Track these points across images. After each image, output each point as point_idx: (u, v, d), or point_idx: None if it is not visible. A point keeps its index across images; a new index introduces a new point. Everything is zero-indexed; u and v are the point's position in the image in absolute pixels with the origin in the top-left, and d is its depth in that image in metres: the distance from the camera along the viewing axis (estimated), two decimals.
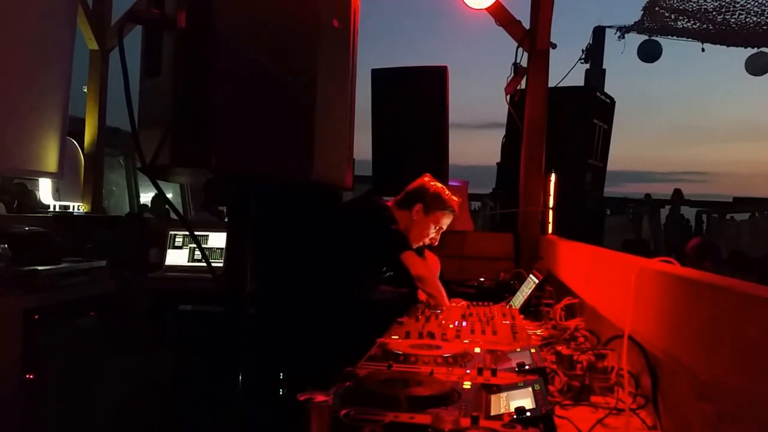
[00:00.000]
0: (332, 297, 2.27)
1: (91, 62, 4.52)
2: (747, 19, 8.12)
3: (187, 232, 3.62)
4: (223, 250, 3.50)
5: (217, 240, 3.61)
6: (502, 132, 4.97)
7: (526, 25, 3.60)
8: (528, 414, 1.00)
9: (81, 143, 4.50)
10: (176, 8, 1.08)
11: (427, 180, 2.56)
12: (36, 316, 2.55)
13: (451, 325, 1.88)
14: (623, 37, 9.20)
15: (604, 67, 9.18)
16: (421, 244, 2.56)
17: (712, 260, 4.22)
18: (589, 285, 1.95)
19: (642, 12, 8.49)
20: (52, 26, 3.14)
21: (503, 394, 1.13)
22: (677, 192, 11.52)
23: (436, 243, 2.59)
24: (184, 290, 3.36)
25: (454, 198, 2.54)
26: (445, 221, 2.54)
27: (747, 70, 9.79)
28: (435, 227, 2.53)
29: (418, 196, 2.51)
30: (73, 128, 4.01)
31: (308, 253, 2.30)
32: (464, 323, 1.94)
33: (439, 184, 2.56)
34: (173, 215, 4.54)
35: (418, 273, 2.37)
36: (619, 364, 1.31)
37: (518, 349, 1.49)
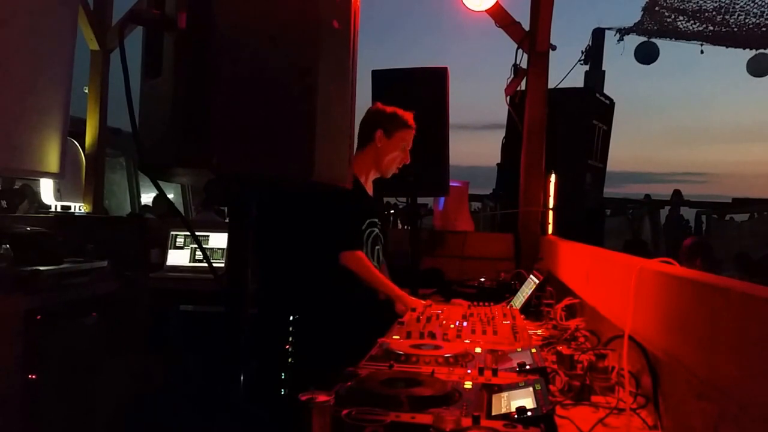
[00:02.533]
0: (322, 285, 2.26)
1: (92, 63, 4.53)
2: (746, 20, 8.12)
3: (188, 233, 3.63)
4: (224, 251, 3.51)
5: (218, 240, 3.62)
6: (502, 133, 4.98)
7: (526, 26, 3.61)
8: (529, 414, 1.00)
9: (82, 144, 4.50)
10: (177, 9, 1.08)
11: (378, 105, 2.55)
12: (38, 317, 2.55)
13: (452, 325, 1.89)
14: (622, 40, 9.20)
15: (603, 68, 9.17)
16: (396, 170, 2.55)
17: (704, 259, 4.29)
18: (590, 285, 1.95)
19: (642, 12, 8.50)
20: (53, 27, 3.14)
21: (504, 394, 1.13)
22: (677, 193, 11.51)
23: (409, 161, 2.57)
24: (186, 290, 3.37)
25: (406, 113, 2.53)
26: (408, 139, 2.53)
27: (748, 72, 9.79)
28: (400, 147, 2.51)
29: (374, 122, 2.50)
30: (74, 129, 4.02)
31: (290, 244, 2.29)
32: (465, 323, 1.94)
33: (389, 106, 2.55)
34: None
35: (359, 273, 2.33)
36: (619, 363, 1.31)
37: (519, 349, 1.50)
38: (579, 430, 1.13)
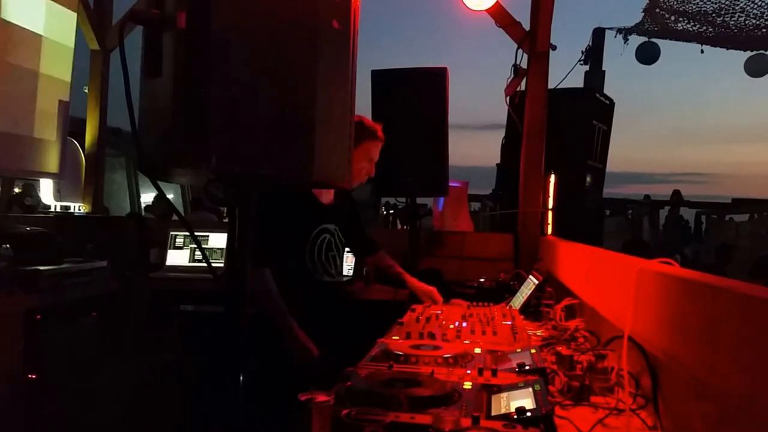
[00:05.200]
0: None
1: (92, 62, 4.53)
2: (746, 22, 8.12)
3: (187, 233, 3.63)
4: (224, 251, 3.51)
5: (217, 240, 3.62)
6: (502, 133, 4.98)
7: (526, 26, 3.61)
8: (528, 414, 1.01)
9: (82, 143, 4.50)
10: (176, 9, 1.08)
11: None
12: (38, 316, 2.55)
13: (452, 326, 1.89)
14: (627, 40, 9.19)
15: (603, 68, 9.18)
16: (364, 180, 2.47)
17: None
18: (589, 286, 1.95)
19: (642, 14, 8.50)
20: (54, 26, 3.15)
21: (504, 395, 1.13)
22: (676, 193, 11.50)
23: (373, 174, 2.47)
24: (185, 290, 3.37)
25: (375, 124, 2.44)
26: (375, 151, 2.44)
27: (746, 72, 9.79)
28: (366, 158, 2.41)
29: None
30: (74, 128, 4.02)
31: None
32: (464, 324, 1.94)
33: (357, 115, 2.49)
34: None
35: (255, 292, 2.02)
36: (619, 364, 1.31)
37: (518, 350, 1.50)
38: (578, 430, 1.13)
